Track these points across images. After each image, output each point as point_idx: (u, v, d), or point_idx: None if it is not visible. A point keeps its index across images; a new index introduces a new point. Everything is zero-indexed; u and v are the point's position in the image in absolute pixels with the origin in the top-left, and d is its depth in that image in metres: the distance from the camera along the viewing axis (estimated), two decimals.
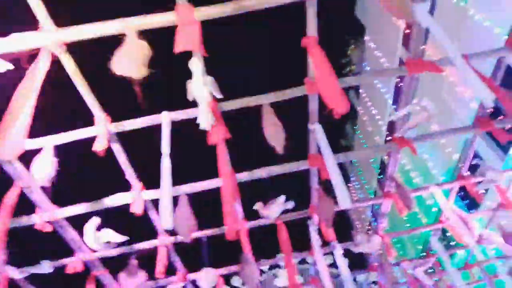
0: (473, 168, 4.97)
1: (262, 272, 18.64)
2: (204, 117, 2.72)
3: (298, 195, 5.07)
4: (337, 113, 2.63)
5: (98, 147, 2.94)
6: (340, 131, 22.51)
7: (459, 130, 4.59)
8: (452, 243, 12.85)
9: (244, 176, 3.87)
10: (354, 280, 5.97)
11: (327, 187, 4.18)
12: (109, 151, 3.48)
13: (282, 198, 3.94)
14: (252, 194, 4.37)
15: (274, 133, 3.08)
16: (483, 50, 3.79)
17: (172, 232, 4.35)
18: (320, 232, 4.84)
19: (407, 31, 14.08)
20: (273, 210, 3.87)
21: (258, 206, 3.95)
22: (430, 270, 6.22)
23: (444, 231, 13.22)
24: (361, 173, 21.27)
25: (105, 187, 4.05)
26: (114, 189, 3.85)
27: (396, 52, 15.00)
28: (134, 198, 3.60)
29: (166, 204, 2.69)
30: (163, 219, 2.66)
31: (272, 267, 18.81)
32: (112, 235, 3.65)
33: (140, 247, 4.40)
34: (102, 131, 2.99)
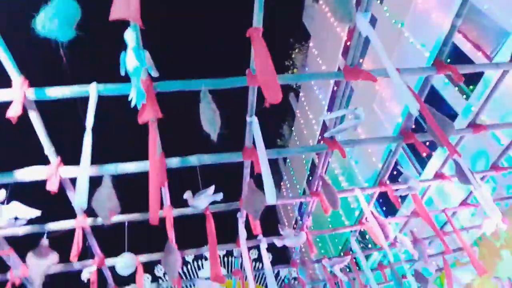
0: (393, 178, 5.32)
1: (186, 263, 18.46)
2: (135, 93, 2.56)
3: (230, 187, 5.05)
4: (270, 102, 2.63)
5: (12, 113, 2.64)
6: (277, 131, 22.99)
7: (385, 139, 4.87)
8: (369, 246, 13.74)
9: (175, 162, 3.74)
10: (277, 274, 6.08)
11: (258, 181, 4.21)
12: (26, 120, 3.18)
13: (211, 189, 3.86)
14: (184, 182, 4.26)
15: (210, 119, 3.00)
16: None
17: (91, 214, 4.08)
18: (248, 225, 4.86)
19: (349, 43, 14.78)
20: (202, 201, 3.79)
21: (187, 195, 3.84)
22: (348, 270, 6.56)
23: (363, 234, 14.09)
24: (293, 173, 21.90)
25: (18, 160, 3.69)
26: (29, 163, 3.52)
27: (337, 61, 15.67)
28: (50, 174, 3.30)
29: (83, 182, 2.49)
30: (78, 198, 2.46)
31: (196, 258, 18.70)
32: (21, 210, 3.29)
33: (53, 227, 4.06)
34: (17, 95, 2.69)
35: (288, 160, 23.17)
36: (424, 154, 10.10)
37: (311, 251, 5.10)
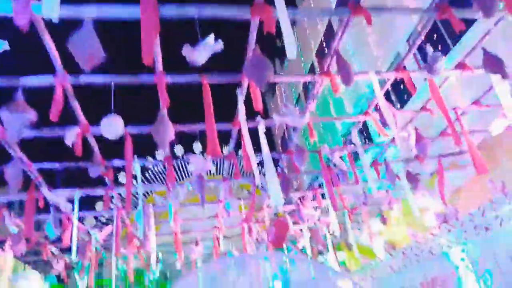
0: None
1: (176, 157, 18.58)
2: None
3: (231, 58, 4.53)
4: None
5: None
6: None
7: (416, 10, 4.24)
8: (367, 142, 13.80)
9: (170, 10, 3.14)
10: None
11: (263, 48, 3.67)
12: None
13: (211, 37, 3.30)
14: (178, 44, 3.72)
15: None
16: None
17: (72, 70, 3.58)
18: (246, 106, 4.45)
19: None
20: (202, 53, 3.26)
21: (186, 49, 3.29)
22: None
23: (361, 131, 13.92)
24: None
25: None
26: None
27: None
28: (18, 6, 2.69)
29: None
30: (45, 6, 1.91)
31: (186, 152, 18.81)
32: None
33: (30, 82, 3.58)
34: None
35: (285, 64, 22.22)
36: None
37: (311, 136, 4.80)
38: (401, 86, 10.87)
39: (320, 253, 12.78)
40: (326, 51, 15.82)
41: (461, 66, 4.70)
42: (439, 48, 9.67)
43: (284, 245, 9.67)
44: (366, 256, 10.73)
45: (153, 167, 18.42)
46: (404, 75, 4.39)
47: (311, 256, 9.90)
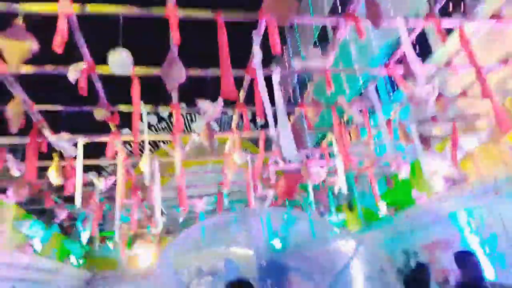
0: None
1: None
2: None
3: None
4: None
5: None
6: None
7: None
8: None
9: None
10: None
11: None
12: None
13: None
14: None
15: None
16: None
17: None
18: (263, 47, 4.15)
19: None
20: None
21: None
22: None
23: (377, 89, 13.52)
24: (298, 40, 20.56)
25: None
26: None
27: None
28: None
29: None
30: None
31: (189, 111, 18.57)
32: None
33: (29, 7, 3.27)
34: None
35: (295, 25, 21.38)
36: None
37: (329, 86, 4.53)
38: (417, 47, 10.42)
39: (322, 214, 12.83)
40: (340, 11, 15.13)
41: (496, 17, 4.36)
42: (462, 10, 9.17)
43: (287, 203, 9.65)
44: (368, 217, 10.76)
45: (157, 124, 18.24)
46: (434, 22, 4.06)
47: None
